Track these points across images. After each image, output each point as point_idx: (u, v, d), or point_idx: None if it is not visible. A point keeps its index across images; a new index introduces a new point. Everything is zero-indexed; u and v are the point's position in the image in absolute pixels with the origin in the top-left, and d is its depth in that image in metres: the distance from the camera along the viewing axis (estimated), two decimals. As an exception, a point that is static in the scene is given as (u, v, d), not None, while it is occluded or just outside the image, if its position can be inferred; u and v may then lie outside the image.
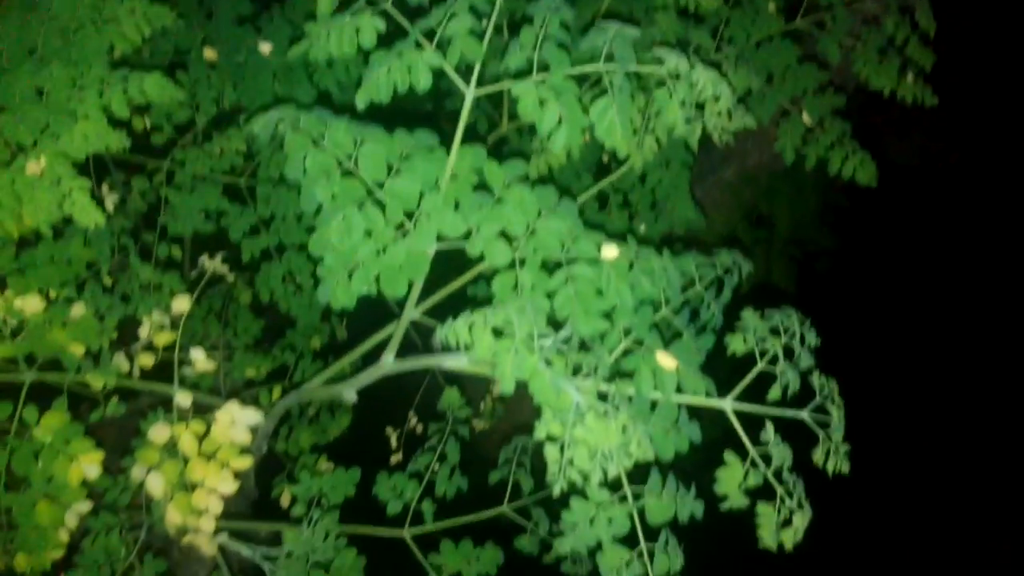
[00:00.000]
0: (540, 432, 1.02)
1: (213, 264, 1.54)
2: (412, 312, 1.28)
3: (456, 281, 1.38)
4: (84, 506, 1.37)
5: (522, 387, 2.09)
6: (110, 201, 1.60)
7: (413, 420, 2.27)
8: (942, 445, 3.56)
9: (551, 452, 1.01)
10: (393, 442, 2.10)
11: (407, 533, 1.54)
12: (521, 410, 2.43)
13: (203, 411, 1.48)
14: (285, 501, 1.83)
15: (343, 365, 1.46)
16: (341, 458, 1.86)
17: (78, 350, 1.35)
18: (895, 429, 3.54)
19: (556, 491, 1.00)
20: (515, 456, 1.60)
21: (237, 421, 1.43)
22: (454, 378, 2.29)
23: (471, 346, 1.04)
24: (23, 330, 1.28)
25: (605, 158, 2.07)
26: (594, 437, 1.00)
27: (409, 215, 1.13)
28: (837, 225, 4.14)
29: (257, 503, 1.84)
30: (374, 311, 2.27)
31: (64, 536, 1.36)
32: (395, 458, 2.10)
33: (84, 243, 1.37)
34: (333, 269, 1.11)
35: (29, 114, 1.12)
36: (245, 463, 1.44)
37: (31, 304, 1.29)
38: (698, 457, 1.14)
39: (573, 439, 1.00)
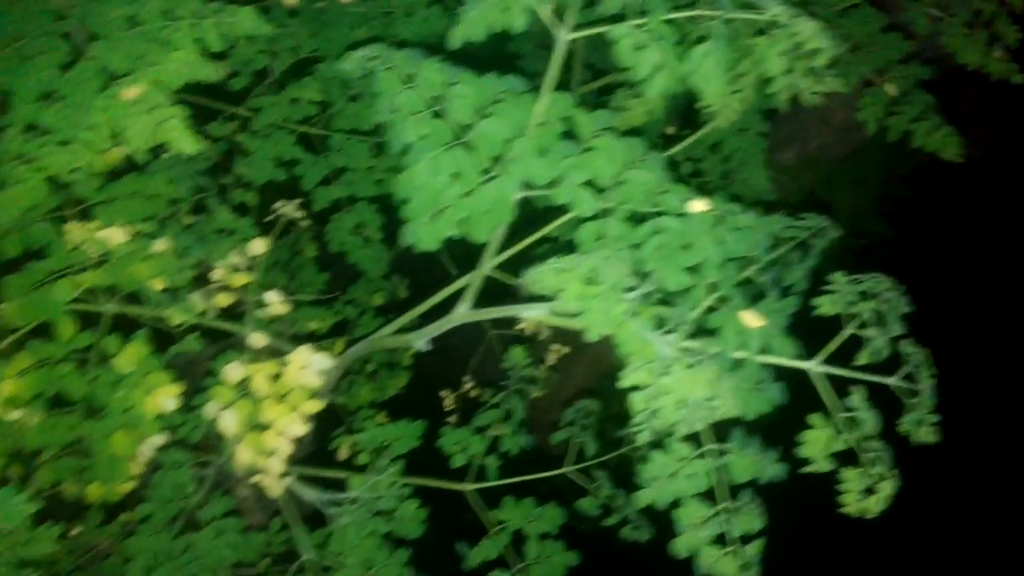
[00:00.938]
0: (626, 380, 1.00)
1: (288, 209, 1.55)
2: (491, 260, 1.27)
3: (531, 235, 1.36)
4: (158, 439, 1.39)
5: (577, 353, 2.07)
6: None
7: (467, 384, 2.27)
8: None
9: (637, 401, 0.99)
10: (450, 403, 2.10)
11: (469, 488, 1.54)
12: (575, 377, 2.43)
13: (273, 355, 1.49)
14: (344, 453, 1.84)
15: (414, 315, 1.46)
16: (397, 416, 1.86)
17: (158, 285, 1.36)
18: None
19: (641, 440, 0.99)
20: (578, 419, 1.58)
21: (309, 365, 1.44)
22: (507, 345, 2.30)
23: (559, 293, 1.03)
24: (106, 262, 1.30)
25: (671, 129, 2.04)
26: (682, 387, 0.98)
27: (496, 160, 1.12)
28: (896, 216, 4.05)
29: (312, 455, 1.85)
30: (432, 271, 2.28)
31: (136, 468, 1.39)
32: (450, 420, 2.10)
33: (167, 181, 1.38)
34: (418, 210, 1.10)
35: (123, 42, 1.13)
36: (315, 407, 1.45)
37: (115, 236, 1.30)
38: (775, 420, 1.12)
39: (660, 388, 0.98)
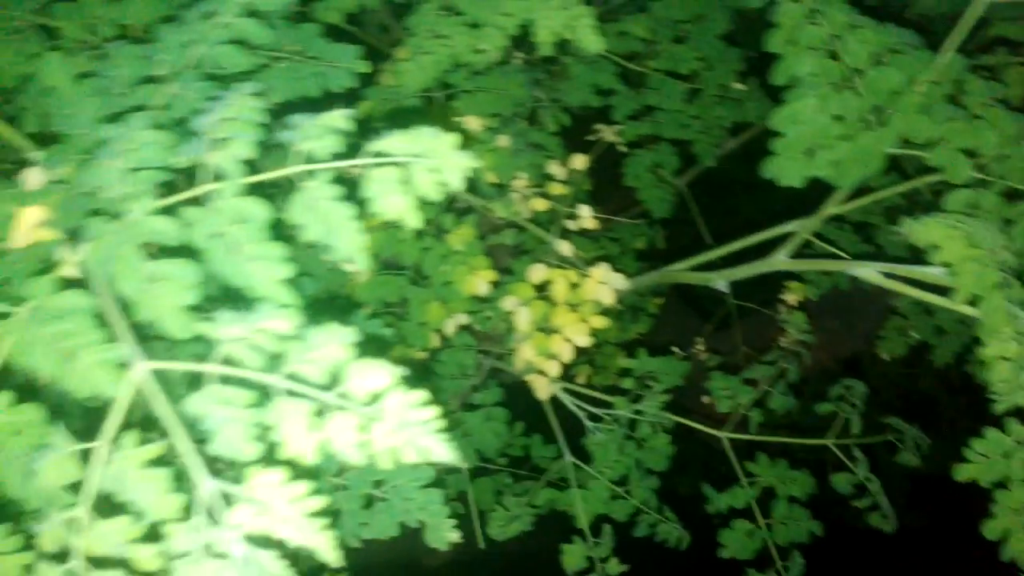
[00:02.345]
0: (991, 351, 0.99)
1: (608, 134, 1.61)
2: (829, 210, 1.27)
3: (872, 194, 1.36)
4: (462, 318, 1.50)
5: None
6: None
7: (699, 346, 2.29)
8: None
9: (1001, 370, 0.98)
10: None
11: (725, 436, 1.57)
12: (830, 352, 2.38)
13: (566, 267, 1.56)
14: (581, 380, 1.92)
15: (715, 254, 1.49)
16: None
17: (491, 178, 1.46)
18: None
19: (1000, 409, 0.98)
20: (847, 395, 1.57)
21: (607, 282, 1.50)
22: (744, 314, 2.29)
23: (935, 249, 1.02)
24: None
25: None
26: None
27: (877, 109, 1.12)
28: None
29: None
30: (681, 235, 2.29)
31: (436, 340, 1.50)
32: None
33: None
34: (792, 145, 1.12)
35: (539, -58, 1.20)
36: (602, 323, 1.51)
37: (472, 124, 1.40)
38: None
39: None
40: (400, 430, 0.55)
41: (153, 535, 0.54)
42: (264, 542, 0.51)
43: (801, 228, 1.32)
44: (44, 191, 0.80)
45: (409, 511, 1.11)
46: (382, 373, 0.55)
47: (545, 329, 1.51)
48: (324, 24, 1.11)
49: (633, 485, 1.52)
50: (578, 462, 1.56)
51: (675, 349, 2.30)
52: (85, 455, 0.54)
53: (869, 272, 1.23)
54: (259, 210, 0.62)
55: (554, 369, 1.53)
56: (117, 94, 0.79)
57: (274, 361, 0.55)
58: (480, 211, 1.49)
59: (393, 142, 0.63)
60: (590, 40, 1.13)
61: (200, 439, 0.54)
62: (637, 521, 1.54)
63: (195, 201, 0.63)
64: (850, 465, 1.51)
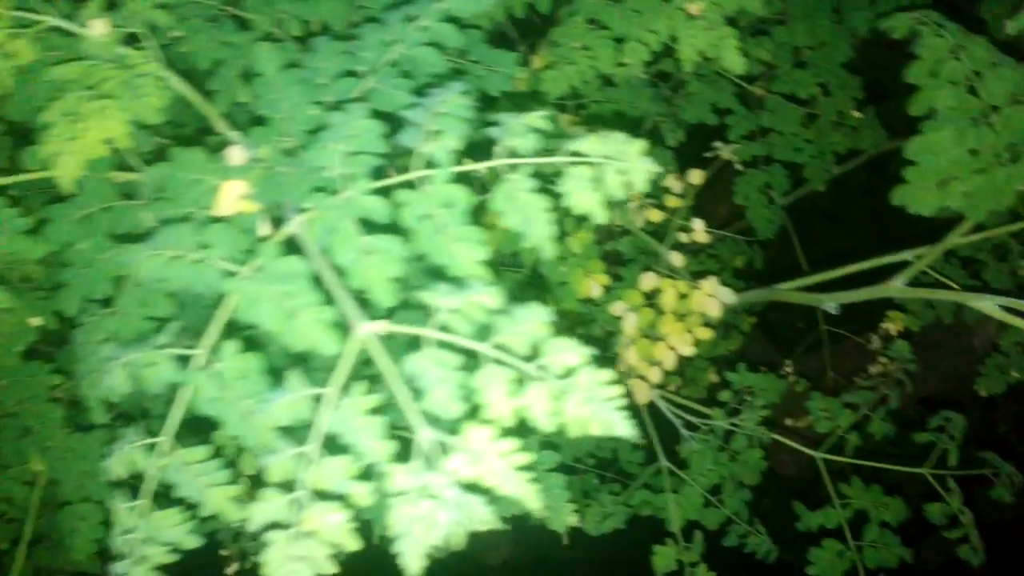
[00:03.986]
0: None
1: (725, 152, 1.65)
2: (951, 242, 1.29)
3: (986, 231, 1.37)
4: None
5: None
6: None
7: (787, 368, 2.30)
8: None
9: None
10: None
11: (820, 456, 1.59)
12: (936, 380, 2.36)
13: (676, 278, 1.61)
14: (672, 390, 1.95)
15: (825, 277, 1.51)
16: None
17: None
18: None
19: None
20: (947, 426, 1.57)
21: (715, 295, 1.54)
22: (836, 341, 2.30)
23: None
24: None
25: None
26: None
27: (1013, 147, 1.14)
28: None
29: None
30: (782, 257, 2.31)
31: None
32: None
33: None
34: (926, 174, 1.15)
35: (687, -36, 1.26)
36: (706, 334, 1.56)
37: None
38: None
39: None
40: (588, 404, 0.61)
41: (367, 475, 0.61)
42: (474, 488, 0.58)
43: (918, 258, 1.34)
44: (245, 167, 0.89)
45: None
46: (576, 352, 0.62)
47: (650, 336, 1.56)
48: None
49: (726, 495, 1.55)
50: (673, 467, 1.60)
51: (787, 369, 2.34)
52: (316, 400, 0.61)
53: (988, 305, 1.24)
54: (464, 196, 0.69)
55: (656, 376, 1.58)
56: (319, 84, 0.87)
57: (483, 332, 0.62)
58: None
59: (588, 143, 0.69)
60: (734, 60, 1.18)
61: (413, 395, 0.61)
62: (727, 531, 1.57)
63: (407, 185, 0.70)
64: (944, 496, 1.52)
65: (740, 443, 1.60)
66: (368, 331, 0.64)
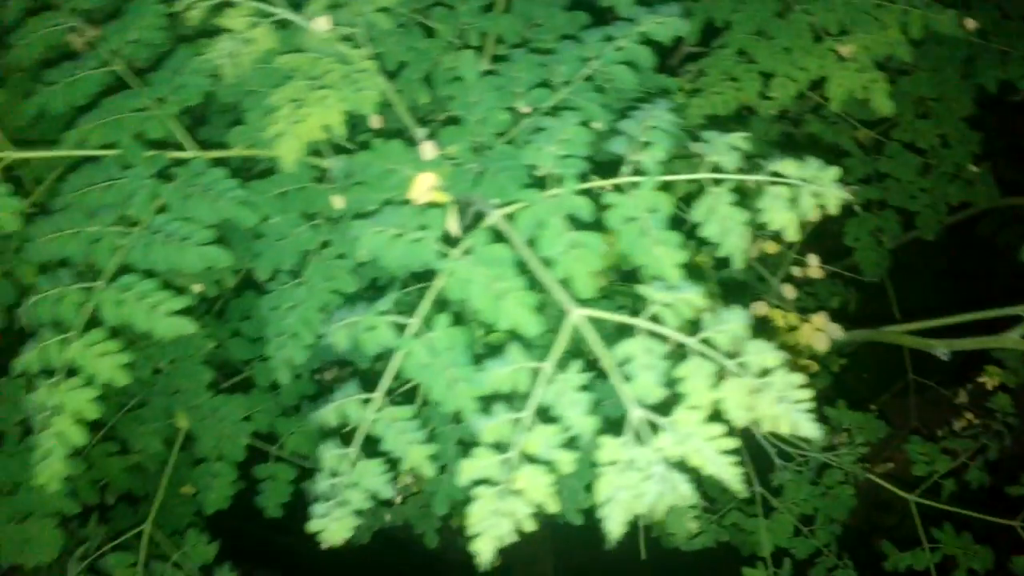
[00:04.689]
0: None
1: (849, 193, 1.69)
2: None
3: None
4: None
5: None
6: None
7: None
8: None
9: None
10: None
11: (913, 499, 1.60)
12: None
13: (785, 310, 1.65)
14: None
15: (938, 323, 1.54)
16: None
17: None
18: None
19: None
20: (1042, 483, 1.58)
21: (824, 330, 1.57)
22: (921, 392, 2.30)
23: None
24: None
25: None
26: None
27: None
28: None
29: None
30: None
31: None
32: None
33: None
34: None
35: (838, 8, 1.31)
36: (813, 367, 1.59)
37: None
38: None
39: None
40: (780, 403, 0.66)
41: (571, 445, 0.67)
42: (679, 466, 0.63)
43: (1039, 312, 1.36)
44: (436, 162, 0.96)
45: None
46: (773, 354, 0.67)
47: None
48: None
49: (817, 526, 1.58)
50: (766, 493, 1.63)
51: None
52: (533, 372, 0.68)
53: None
54: (668, 203, 0.75)
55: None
56: (513, 92, 0.95)
57: (690, 327, 0.68)
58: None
59: (787, 166, 0.75)
60: (883, 104, 1.23)
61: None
62: (816, 561, 1.60)
63: (614, 189, 0.77)
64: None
65: (833, 478, 1.62)
66: (581, 315, 0.70)
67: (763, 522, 1.59)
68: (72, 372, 0.80)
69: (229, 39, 0.89)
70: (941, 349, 1.49)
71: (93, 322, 0.83)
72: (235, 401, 1.35)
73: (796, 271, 1.67)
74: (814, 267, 1.64)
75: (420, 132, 1.06)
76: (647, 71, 1.17)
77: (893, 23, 1.30)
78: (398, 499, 1.67)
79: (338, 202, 1.03)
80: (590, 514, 1.31)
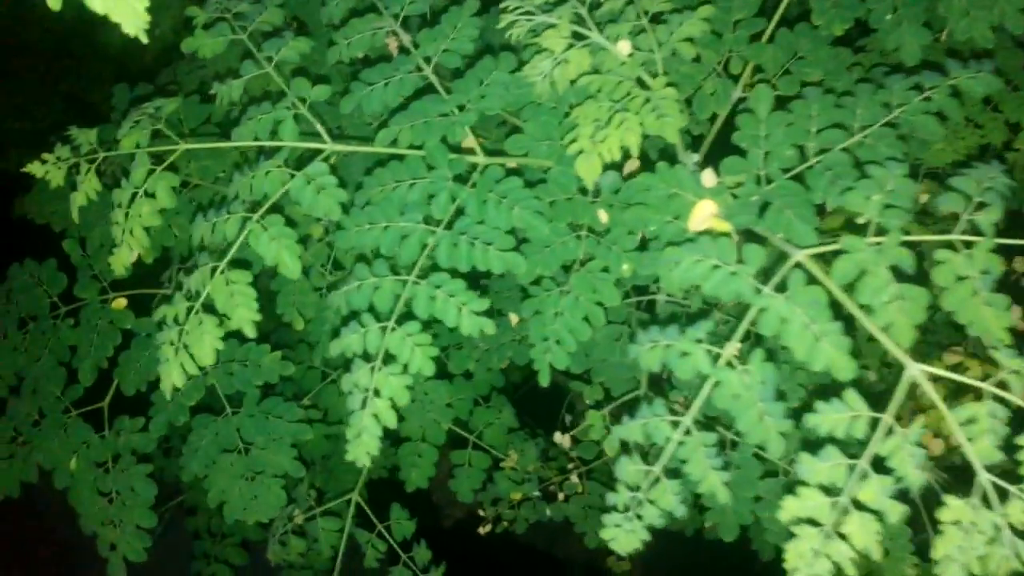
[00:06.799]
0: None
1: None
2: None
3: None
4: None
5: None
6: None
7: None
8: None
9: None
10: None
11: None
12: None
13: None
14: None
15: None
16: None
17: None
18: None
19: None
20: None
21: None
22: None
23: None
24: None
25: None
26: None
27: None
28: None
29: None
30: None
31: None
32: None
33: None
34: None
35: None
36: (938, 446, 1.57)
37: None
38: None
39: None
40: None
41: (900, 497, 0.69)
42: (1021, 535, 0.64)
43: None
44: (718, 190, 0.99)
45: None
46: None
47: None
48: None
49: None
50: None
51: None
52: (873, 423, 0.70)
53: None
54: (999, 266, 0.76)
55: (937, 448, 1.59)
56: (806, 130, 0.96)
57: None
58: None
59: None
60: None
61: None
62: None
63: (943, 245, 0.78)
64: None
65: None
66: (920, 371, 0.72)
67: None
68: (389, 358, 0.86)
69: (547, 58, 0.93)
70: None
71: (407, 314, 0.88)
72: (442, 387, 1.40)
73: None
74: (1017, 319, 1.60)
75: (691, 158, 1.08)
76: (955, 124, 1.17)
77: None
78: (561, 497, 1.71)
79: (603, 216, 1.07)
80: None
